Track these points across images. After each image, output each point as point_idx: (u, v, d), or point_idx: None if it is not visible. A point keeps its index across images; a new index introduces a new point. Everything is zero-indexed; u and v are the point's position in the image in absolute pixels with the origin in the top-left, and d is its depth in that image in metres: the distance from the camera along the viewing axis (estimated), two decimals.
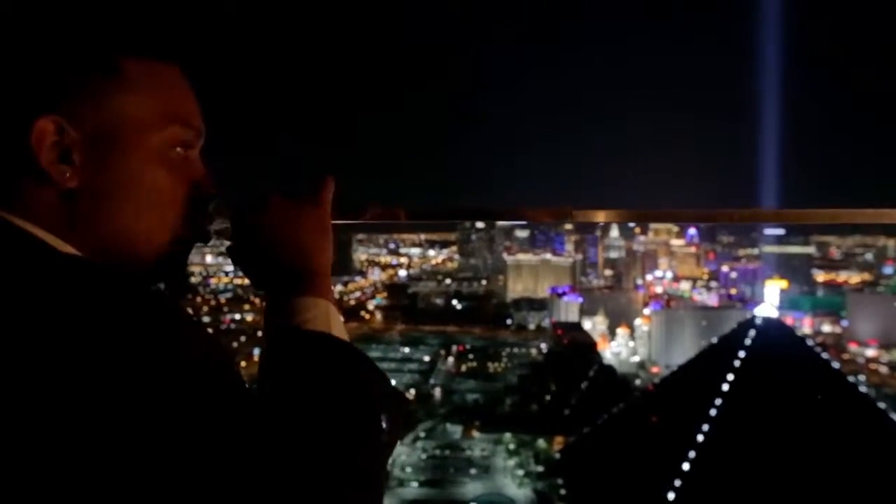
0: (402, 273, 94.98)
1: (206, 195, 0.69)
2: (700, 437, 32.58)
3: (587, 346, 58.30)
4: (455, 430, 46.33)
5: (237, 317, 67.23)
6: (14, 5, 0.61)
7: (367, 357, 0.71)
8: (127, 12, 0.65)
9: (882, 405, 36.43)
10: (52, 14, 0.62)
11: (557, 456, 40.67)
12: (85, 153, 0.60)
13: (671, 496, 30.24)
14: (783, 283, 76.67)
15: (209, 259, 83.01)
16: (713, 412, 34.08)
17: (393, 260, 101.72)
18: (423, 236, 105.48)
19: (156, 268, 0.66)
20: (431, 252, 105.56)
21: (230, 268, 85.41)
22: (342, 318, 0.73)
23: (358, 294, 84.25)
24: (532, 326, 72.29)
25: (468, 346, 63.74)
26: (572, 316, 72.46)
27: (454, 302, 79.51)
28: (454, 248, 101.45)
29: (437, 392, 53.64)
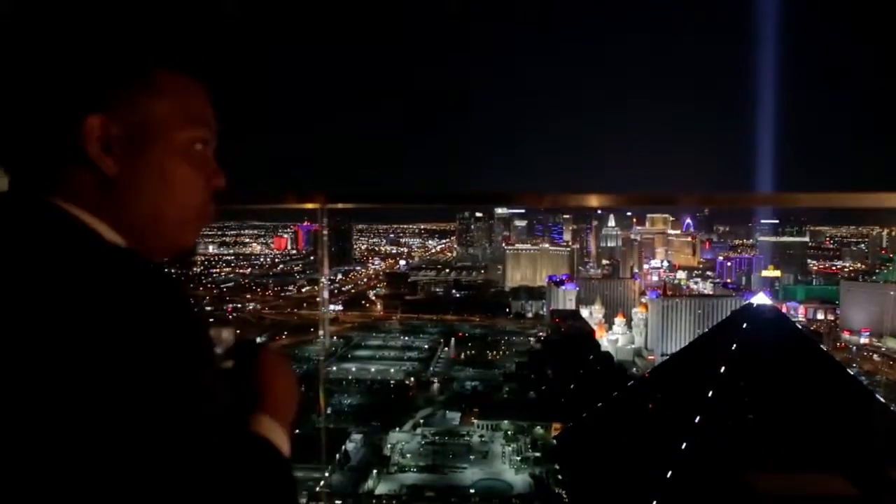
0: (403, 262, 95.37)
1: (218, 187, 0.81)
2: (695, 423, 33.10)
3: (585, 334, 58.80)
4: (454, 417, 46.86)
5: (238, 306, 67.78)
6: (66, 19, 0.73)
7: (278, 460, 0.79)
8: (159, 28, 0.78)
9: (875, 392, 37.07)
10: (98, 27, 0.74)
11: (555, 442, 41.23)
12: (124, 147, 0.71)
13: (666, 481, 30.76)
14: (777, 273, 77.38)
15: (212, 249, 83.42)
16: (708, 398, 34.58)
17: (393, 249, 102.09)
18: (422, 226, 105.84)
19: (178, 244, 0.79)
20: (431, 242, 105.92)
21: (231, 257, 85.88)
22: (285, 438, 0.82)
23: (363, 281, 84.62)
24: (530, 315, 72.87)
25: (467, 335, 64.28)
26: (570, 304, 73.03)
27: (453, 291, 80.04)
28: (453, 237, 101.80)
29: (436, 380, 54.21)
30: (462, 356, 59.90)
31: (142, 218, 0.74)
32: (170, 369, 0.59)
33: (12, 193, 0.72)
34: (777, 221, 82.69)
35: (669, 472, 30.87)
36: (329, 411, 39.41)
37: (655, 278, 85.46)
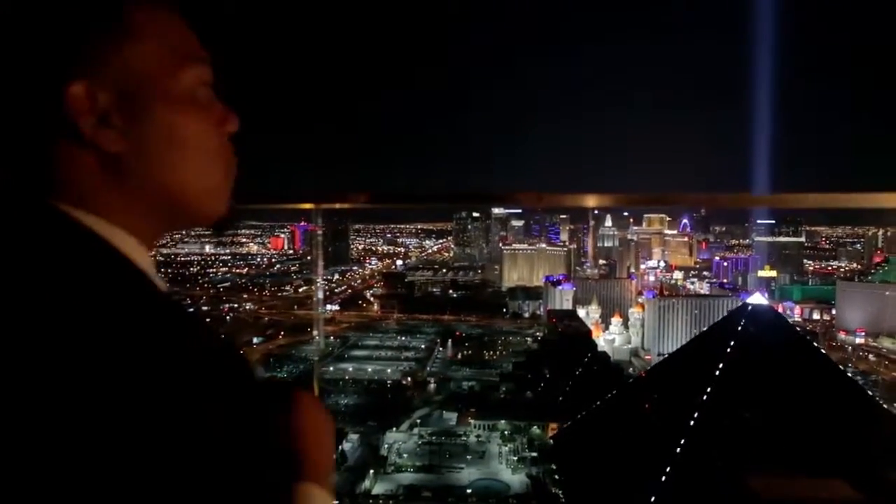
0: (399, 263, 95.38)
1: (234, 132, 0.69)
2: (691, 423, 33.16)
3: (581, 334, 58.86)
4: (451, 417, 46.86)
5: (235, 306, 67.72)
6: None
7: None
8: None
9: (870, 392, 37.19)
10: None
11: (551, 442, 41.27)
12: (122, 115, 0.59)
13: (663, 481, 30.82)
14: (773, 273, 77.63)
15: (208, 249, 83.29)
16: (704, 398, 34.66)
17: (390, 249, 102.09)
18: (419, 226, 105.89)
19: (208, 213, 0.67)
20: (428, 242, 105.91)
21: (228, 257, 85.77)
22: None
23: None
24: (527, 315, 72.94)
25: (464, 335, 64.32)
26: (567, 304, 73.11)
27: (450, 291, 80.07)
28: (450, 237, 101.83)
29: (433, 380, 54.23)
30: (459, 356, 59.94)
31: (161, 194, 0.62)
32: (182, 419, 0.50)
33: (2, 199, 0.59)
34: (773, 222, 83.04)
35: (666, 472, 30.93)
36: None
37: (652, 278, 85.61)
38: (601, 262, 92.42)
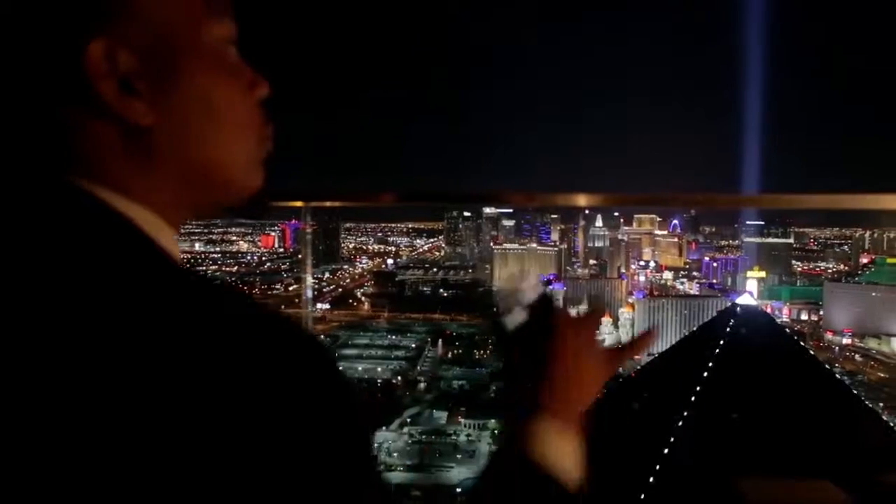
0: (390, 261, 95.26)
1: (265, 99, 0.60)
2: (680, 423, 33.36)
3: None
4: (441, 416, 46.89)
5: None
6: None
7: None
8: None
9: (856, 392, 37.54)
10: None
11: None
12: (146, 77, 0.49)
13: (652, 479, 30.97)
14: (762, 274, 78.15)
15: (198, 247, 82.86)
16: (693, 398, 34.88)
17: (381, 248, 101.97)
18: (410, 225, 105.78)
19: (245, 188, 0.58)
20: (419, 241, 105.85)
21: (217, 255, 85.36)
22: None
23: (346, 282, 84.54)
24: None
25: (454, 334, 64.34)
26: (557, 304, 73.16)
27: (441, 290, 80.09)
28: (441, 236, 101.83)
29: (424, 379, 54.23)
30: (449, 355, 59.96)
31: (192, 171, 0.53)
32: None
33: (18, 178, 0.49)
34: (762, 223, 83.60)
35: (656, 472, 31.09)
36: None
37: (642, 278, 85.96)
38: (591, 261, 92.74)
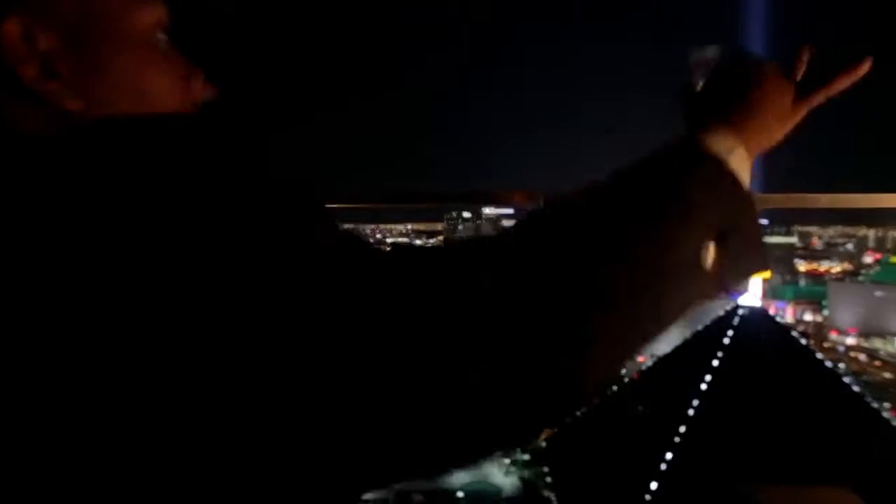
0: None
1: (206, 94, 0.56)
2: (684, 425, 33.00)
3: None
4: None
5: None
6: None
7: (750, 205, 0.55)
8: None
9: (863, 394, 37.10)
10: None
11: (543, 445, 40.99)
12: (68, 60, 0.46)
13: (654, 484, 30.62)
14: (766, 274, 77.67)
15: None
16: (696, 400, 34.55)
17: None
18: (409, 226, 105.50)
19: None
20: (418, 241, 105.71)
21: None
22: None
23: None
24: None
25: None
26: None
27: None
28: (440, 237, 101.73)
29: None
30: None
31: None
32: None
33: None
34: (766, 222, 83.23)
35: (660, 475, 30.73)
36: None
37: None
38: None
